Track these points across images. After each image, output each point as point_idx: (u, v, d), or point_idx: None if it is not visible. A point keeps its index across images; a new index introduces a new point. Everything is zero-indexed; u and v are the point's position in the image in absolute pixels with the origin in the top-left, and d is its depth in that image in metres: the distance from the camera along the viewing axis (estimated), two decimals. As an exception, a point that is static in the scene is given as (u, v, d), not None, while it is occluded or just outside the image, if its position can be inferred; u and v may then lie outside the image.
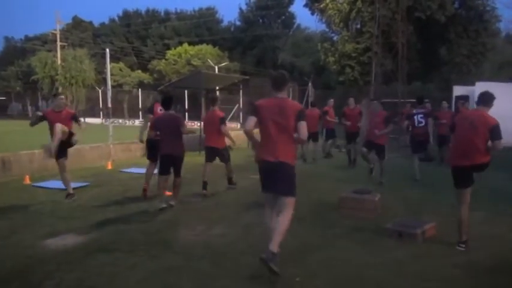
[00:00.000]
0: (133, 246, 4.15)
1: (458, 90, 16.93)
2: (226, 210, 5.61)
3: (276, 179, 3.49)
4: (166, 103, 5.72)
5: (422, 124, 7.71)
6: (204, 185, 6.61)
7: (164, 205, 5.57)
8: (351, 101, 9.74)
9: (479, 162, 4.02)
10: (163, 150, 5.61)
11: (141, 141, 6.65)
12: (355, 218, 5.05)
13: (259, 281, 3.37)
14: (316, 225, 4.92)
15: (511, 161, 9.46)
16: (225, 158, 6.92)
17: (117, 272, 3.53)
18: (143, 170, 8.88)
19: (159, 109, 6.56)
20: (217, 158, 7.04)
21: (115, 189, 7.07)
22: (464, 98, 13.75)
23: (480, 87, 14.94)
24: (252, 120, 3.54)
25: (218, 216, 5.26)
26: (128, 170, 9.02)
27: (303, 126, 3.43)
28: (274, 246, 3.36)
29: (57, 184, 7.29)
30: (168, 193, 5.93)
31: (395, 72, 19.83)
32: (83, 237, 4.44)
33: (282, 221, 3.47)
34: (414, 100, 11.58)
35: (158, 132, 5.69)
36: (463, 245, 4.11)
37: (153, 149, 6.21)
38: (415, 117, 7.80)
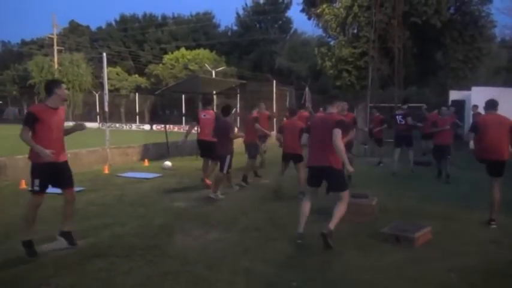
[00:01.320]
0: (129, 251, 4.13)
1: (454, 95, 17.04)
2: (223, 214, 5.60)
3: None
4: (226, 111, 6.92)
5: (403, 122, 9.19)
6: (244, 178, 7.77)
7: (213, 196, 6.55)
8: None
9: (507, 156, 5.07)
10: (218, 150, 6.71)
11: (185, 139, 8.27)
12: (351, 222, 5.05)
13: (256, 286, 3.36)
14: (314, 230, 4.91)
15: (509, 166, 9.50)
16: (252, 154, 8.03)
17: (113, 277, 3.51)
18: (140, 175, 8.87)
19: (203, 115, 7.78)
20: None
21: (111, 193, 7.05)
22: (460, 103, 13.89)
23: (476, 92, 15.05)
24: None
25: (215, 221, 5.25)
26: (125, 175, 8.99)
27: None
28: (332, 225, 4.29)
29: (53, 188, 7.24)
30: (207, 181, 7.39)
31: (391, 77, 19.92)
32: (79, 242, 4.41)
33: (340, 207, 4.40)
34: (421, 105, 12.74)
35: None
36: (494, 222, 4.97)
37: (203, 149, 7.70)
38: (397, 117, 9.38)
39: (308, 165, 4.55)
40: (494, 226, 4.93)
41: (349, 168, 4.34)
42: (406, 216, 5.41)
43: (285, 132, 6.72)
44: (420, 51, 22.65)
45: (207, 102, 8.36)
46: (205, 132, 7.58)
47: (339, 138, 4.19)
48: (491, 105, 5.21)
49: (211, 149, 7.06)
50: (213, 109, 8.13)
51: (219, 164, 6.77)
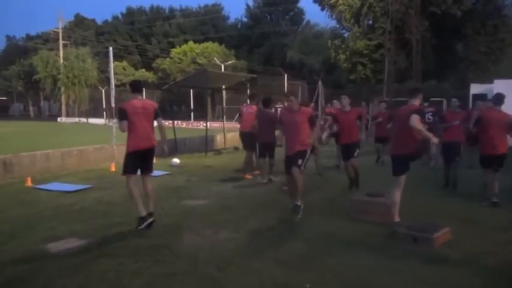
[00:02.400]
0: (137, 250, 4.17)
1: (475, 89, 16.76)
2: (233, 214, 5.61)
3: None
4: (266, 102, 7.70)
5: (431, 120, 8.90)
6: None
7: (264, 181, 7.63)
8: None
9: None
10: (264, 138, 7.51)
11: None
12: (367, 223, 5.02)
13: (267, 287, 3.36)
14: (328, 229, 4.89)
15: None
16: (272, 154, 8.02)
17: (121, 277, 3.55)
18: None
19: (244, 109, 8.65)
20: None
21: (118, 192, 7.11)
22: (482, 97, 13.61)
23: (499, 85, 14.75)
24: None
25: (224, 220, 5.26)
26: (132, 172, 9.05)
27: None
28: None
29: (60, 186, 7.37)
30: (256, 173, 8.10)
31: (409, 70, 19.70)
32: (86, 242, 4.47)
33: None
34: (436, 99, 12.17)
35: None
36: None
37: (246, 141, 8.40)
38: (425, 114, 9.21)
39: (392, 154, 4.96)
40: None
41: (434, 140, 4.61)
42: (423, 216, 5.35)
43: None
44: (439, 43, 22.32)
45: (253, 98, 9.25)
46: (246, 125, 8.38)
47: (414, 120, 4.51)
48: (497, 100, 5.52)
49: (252, 140, 7.95)
50: (256, 104, 8.76)
51: (256, 152, 7.87)
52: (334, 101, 9.84)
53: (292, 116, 5.34)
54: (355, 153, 6.87)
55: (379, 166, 9.76)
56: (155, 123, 5.12)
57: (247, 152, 8.50)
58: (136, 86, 5.11)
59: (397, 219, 4.73)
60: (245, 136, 8.46)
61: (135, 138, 4.84)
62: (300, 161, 5.19)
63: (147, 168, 5.02)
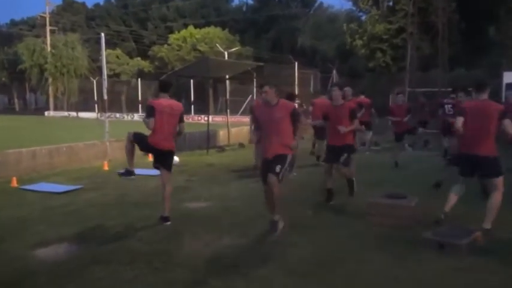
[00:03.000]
0: (133, 257, 4.21)
1: (509, 77, 16.56)
2: (238, 217, 5.63)
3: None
4: (290, 98, 7.46)
5: (451, 113, 8.93)
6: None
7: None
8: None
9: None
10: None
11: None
12: (387, 227, 5.01)
13: (276, 298, 3.38)
14: (341, 234, 4.89)
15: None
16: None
17: (115, 286, 3.59)
18: (143, 171, 8.99)
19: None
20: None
21: (112, 192, 7.17)
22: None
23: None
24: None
25: (228, 224, 5.29)
26: (127, 171, 9.11)
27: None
28: (487, 223, 4.72)
29: (48, 187, 7.45)
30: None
31: (434, 57, 19.53)
32: (77, 247, 4.52)
33: (494, 200, 4.75)
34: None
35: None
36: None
37: None
38: (446, 106, 9.26)
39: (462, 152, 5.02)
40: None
41: None
42: (452, 220, 5.32)
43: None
44: (468, 26, 22.10)
45: (292, 97, 9.83)
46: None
47: (509, 126, 4.67)
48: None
49: None
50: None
51: None
52: (346, 88, 9.47)
53: (269, 111, 4.82)
54: (342, 158, 6.18)
55: (394, 167, 9.56)
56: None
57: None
58: (165, 86, 5.44)
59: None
60: None
61: (156, 137, 5.22)
62: (278, 168, 4.64)
63: (165, 166, 5.42)
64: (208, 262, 4.10)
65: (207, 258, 4.22)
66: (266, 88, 4.79)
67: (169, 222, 5.25)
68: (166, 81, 5.69)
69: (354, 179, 6.62)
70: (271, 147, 4.79)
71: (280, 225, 4.84)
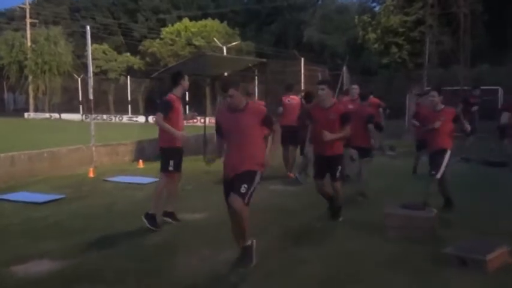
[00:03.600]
0: (120, 275, 4.20)
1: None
2: (238, 229, 5.61)
3: None
4: (308, 98, 8.24)
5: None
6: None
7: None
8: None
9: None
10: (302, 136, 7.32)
11: None
12: (404, 241, 4.99)
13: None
14: (354, 249, 4.88)
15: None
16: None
17: (102, 307, 3.58)
18: (133, 179, 9.00)
19: (287, 100, 9.37)
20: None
21: (98, 202, 7.16)
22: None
23: None
24: None
25: (227, 238, 5.25)
26: (114, 179, 9.12)
27: None
28: None
29: (27, 196, 7.45)
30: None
31: (455, 52, 19.53)
32: (59, 264, 4.51)
33: None
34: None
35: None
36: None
37: (286, 135, 8.33)
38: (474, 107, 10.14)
39: None
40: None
41: None
42: (475, 233, 5.31)
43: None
44: (493, 18, 22.11)
45: (290, 88, 9.97)
46: (290, 118, 8.91)
47: None
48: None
49: (296, 135, 8.53)
50: (297, 95, 9.93)
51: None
52: (354, 86, 9.40)
53: (235, 117, 4.32)
54: (337, 173, 5.84)
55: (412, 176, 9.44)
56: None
57: (286, 148, 9.33)
58: (176, 78, 5.93)
59: None
60: (288, 130, 8.55)
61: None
62: (243, 188, 4.14)
63: (180, 168, 6.00)
64: (205, 281, 4.09)
65: (204, 276, 4.20)
66: (232, 91, 4.24)
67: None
68: (176, 72, 6.08)
69: (341, 205, 6.01)
70: (237, 162, 4.29)
71: (250, 256, 4.30)
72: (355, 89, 9.05)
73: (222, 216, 6.22)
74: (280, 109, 9.35)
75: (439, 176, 6.15)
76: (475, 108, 11.19)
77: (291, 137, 8.71)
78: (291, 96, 9.58)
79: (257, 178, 4.29)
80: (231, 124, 4.36)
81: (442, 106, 6.42)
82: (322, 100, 5.88)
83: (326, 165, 5.88)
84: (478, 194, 7.54)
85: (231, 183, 4.27)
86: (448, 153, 6.26)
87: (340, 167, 5.87)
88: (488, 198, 7.22)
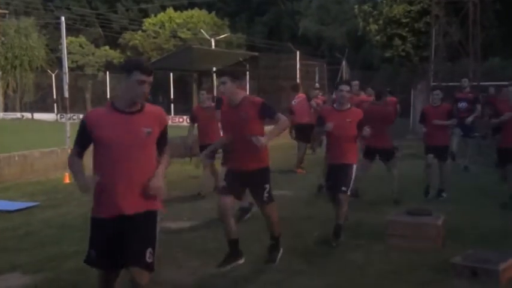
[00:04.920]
0: (100, 290, 4.17)
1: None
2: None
3: None
4: (379, 95, 7.99)
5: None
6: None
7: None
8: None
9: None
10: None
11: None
12: (409, 250, 5.01)
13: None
14: (356, 260, 4.89)
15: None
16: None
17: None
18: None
19: (293, 102, 10.59)
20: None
21: (75, 211, 7.12)
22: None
23: None
24: None
25: (216, 249, 5.25)
26: (93, 185, 9.07)
27: None
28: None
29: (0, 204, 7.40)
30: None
31: (464, 45, 19.66)
32: (32, 277, 4.48)
33: None
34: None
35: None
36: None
37: (300, 131, 10.45)
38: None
39: None
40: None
41: None
42: (486, 242, 5.34)
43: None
44: (506, 7, 22.28)
45: (297, 88, 11.26)
46: (300, 116, 10.30)
47: None
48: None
49: (309, 131, 9.74)
50: (302, 92, 11.14)
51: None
52: (354, 83, 9.27)
53: (232, 113, 4.60)
54: (343, 187, 5.51)
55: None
56: None
57: (302, 144, 10.60)
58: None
59: None
60: (302, 128, 10.33)
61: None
62: (266, 191, 4.61)
63: None
64: (192, 295, 4.07)
65: (191, 289, 4.19)
66: (224, 78, 4.49)
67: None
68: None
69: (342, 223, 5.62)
70: (244, 158, 4.54)
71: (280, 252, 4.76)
72: (356, 85, 9.29)
73: (211, 225, 6.23)
74: (290, 117, 9.82)
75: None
76: (462, 104, 10.44)
77: (302, 134, 10.34)
78: (298, 96, 10.74)
79: (269, 172, 4.71)
80: (230, 119, 4.65)
81: (349, 105, 5.73)
82: (340, 102, 5.79)
83: (339, 175, 5.92)
84: (488, 199, 7.59)
85: (245, 181, 4.60)
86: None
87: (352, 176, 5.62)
88: (497, 204, 7.26)
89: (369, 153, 7.46)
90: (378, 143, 7.20)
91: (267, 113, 4.51)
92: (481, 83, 17.78)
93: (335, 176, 5.65)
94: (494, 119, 7.45)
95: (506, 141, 7.11)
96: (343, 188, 5.47)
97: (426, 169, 7.86)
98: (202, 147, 7.34)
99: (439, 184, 7.79)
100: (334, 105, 5.88)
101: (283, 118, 4.57)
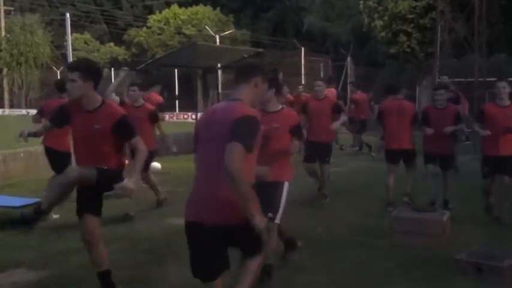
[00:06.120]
0: (105, 286, 4.18)
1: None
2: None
3: None
4: (392, 89, 7.33)
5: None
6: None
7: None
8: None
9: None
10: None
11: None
12: (414, 247, 5.01)
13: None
14: (360, 257, 4.89)
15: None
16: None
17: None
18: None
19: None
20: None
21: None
22: None
23: None
24: None
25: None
26: (98, 181, 9.09)
27: None
28: None
29: (2, 201, 7.42)
30: None
31: (469, 41, 19.57)
32: (38, 274, 4.51)
33: None
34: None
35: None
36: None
37: None
38: None
39: None
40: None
41: None
42: (492, 238, 5.33)
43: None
44: (511, 3, 22.16)
45: (332, 81, 11.63)
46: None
47: None
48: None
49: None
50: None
51: None
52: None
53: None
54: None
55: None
56: None
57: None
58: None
59: None
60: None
61: None
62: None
63: None
64: (197, 291, 4.08)
65: (196, 285, 4.19)
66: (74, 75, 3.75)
67: None
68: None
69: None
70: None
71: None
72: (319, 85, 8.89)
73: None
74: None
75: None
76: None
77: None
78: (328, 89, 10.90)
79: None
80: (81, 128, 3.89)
81: (280, 106, 4.61)
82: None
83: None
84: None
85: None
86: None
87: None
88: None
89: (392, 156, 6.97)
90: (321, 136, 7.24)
91: (122, 131, 3.82)
92: (487, 79, 17.70)
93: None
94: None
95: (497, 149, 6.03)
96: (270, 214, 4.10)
97: (425, 180, 6.94)
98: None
99: (444, 194, 6.89)
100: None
101: (141, 147, 3.86)
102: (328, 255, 4.93)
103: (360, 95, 13.67)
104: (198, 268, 3.18)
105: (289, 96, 9.12)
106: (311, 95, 8.11)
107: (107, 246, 5.24)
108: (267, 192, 3.96)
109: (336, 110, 7.42)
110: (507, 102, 6.03)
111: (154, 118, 7.20)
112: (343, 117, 7.92)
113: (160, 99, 9.22)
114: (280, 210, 4.27)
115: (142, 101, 7.24)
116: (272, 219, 4.12)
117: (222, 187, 2.78)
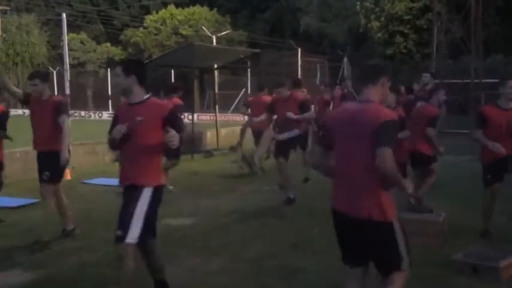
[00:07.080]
0: (101, 285, 4.17)
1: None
2: (228, 236, 5.62)
3: None
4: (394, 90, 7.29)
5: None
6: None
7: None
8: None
9: None
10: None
11: None
12: (409, 248, 5.00)
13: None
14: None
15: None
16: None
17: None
18: (114, 181, 8.93)
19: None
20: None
21: (76, 207, 7.11)
22: None
23: None
24: None
25: (217, 245, 5.27)
26: (94, 181, 9.09)
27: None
28: None
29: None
30: None
31: (466, 42, 19.63)
32: (33, 274, 4.49)
33: None
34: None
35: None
36: None
37: None
38: None
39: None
40: None
41: None
42: (487, 239, 5.33)
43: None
44: (508, 4, 22.24)
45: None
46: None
47: None
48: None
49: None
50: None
51: None
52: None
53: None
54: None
55: None
56: None
57: None
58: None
59: None
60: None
61: None
62: None
63: None
64: (193, 291, 4.08)
65: (192, 286, 4.19)
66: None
67: None
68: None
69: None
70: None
71: None
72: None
73: (212, 222, 6.24)
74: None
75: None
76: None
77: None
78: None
79: None
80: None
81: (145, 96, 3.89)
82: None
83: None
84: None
85: None
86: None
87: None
88: (502, 202, 7.24)
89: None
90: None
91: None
92: (483, 80, 17.76)
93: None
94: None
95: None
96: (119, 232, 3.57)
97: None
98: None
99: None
100: None
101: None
102: (324, 256, 4.91)
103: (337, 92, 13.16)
104: (343, 254, 3.42)
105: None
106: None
107: (101, 248, 5.25)
108: (124, 200, 3.83)
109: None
110: (511, 105, 5.32)
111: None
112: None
113: (179, 102, 9.69)
114: (133, 227, 3.58)
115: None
116: (120, 239, 3.49)
117: (368, 182, 3.12)
